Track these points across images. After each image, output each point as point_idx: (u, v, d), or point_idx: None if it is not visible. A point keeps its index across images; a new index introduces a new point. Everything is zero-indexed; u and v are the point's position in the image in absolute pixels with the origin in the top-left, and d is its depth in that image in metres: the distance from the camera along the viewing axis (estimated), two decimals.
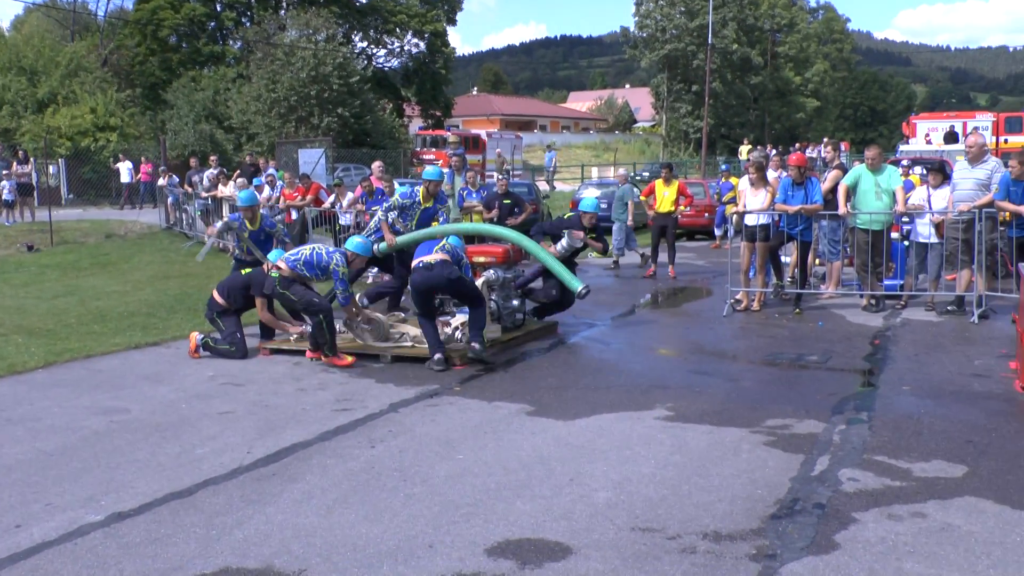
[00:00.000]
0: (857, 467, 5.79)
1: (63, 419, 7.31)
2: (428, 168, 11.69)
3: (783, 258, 12.92)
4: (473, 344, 9.06)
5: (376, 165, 16.41)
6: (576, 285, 9.98)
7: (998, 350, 9.21)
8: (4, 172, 24.94)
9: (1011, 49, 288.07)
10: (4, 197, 24.46)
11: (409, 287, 9.56)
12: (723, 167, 24.47)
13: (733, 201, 20.24)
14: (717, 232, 21.44)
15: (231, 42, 49.30)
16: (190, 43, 47.90)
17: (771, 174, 14.53)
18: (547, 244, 10.78)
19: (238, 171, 21.91)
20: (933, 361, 8.80)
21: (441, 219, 10.95)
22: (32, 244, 20.65)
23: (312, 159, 28.16)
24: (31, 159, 27.28)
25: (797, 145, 42.30)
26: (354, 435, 6.72)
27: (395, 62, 54.71)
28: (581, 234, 10.96)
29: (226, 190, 19.62)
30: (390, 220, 10.79)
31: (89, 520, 5.15)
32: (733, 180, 21.23)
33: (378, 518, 5.09)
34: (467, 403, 7.61)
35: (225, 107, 41.96)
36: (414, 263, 9.31)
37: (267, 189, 18.06)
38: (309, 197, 16.69)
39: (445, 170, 13.57)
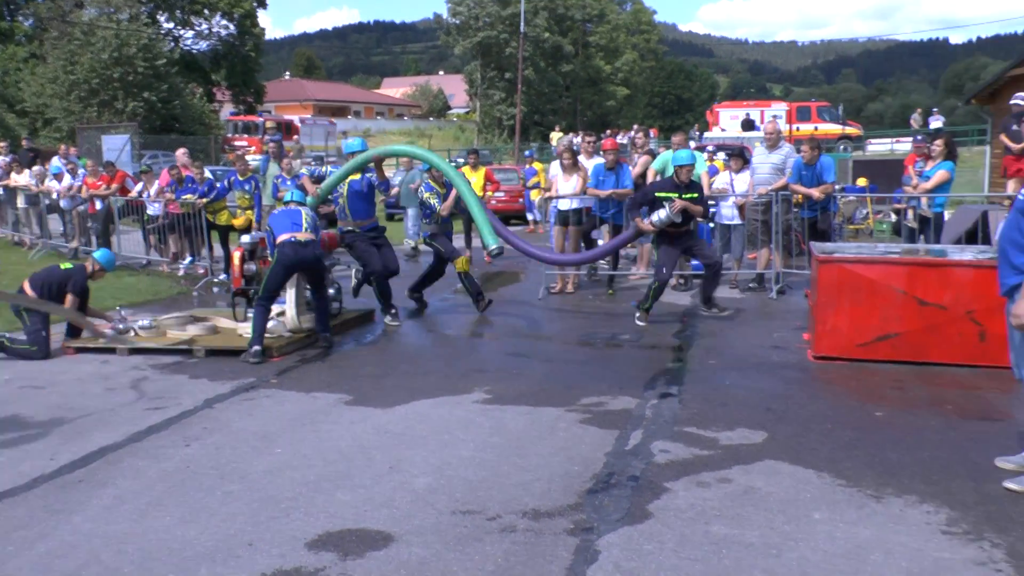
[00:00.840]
0: (668, 439, 6.04)
1: None
2: (350, 141, 11.32)
3: (599, 242, 13.28)
4: (325, 335, 9.10)
5: (180, 152, 15.79)
6: (491, 242, 9.54)
7: (794, 323, 9.80)
8: None
9: (800, 44, 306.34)
10: None
11: (274, 262, 9.12)
12: (527, 153, 24.92)
13: (538, 186, 20.71)
14: (529, 216, 21.79)
15: (20, 18, 46.19)
16: None
17: (584, 160, 14.91)
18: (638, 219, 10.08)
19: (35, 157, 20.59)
20: (737, 336, 9.26)
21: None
22: None
23: (117, 146, 26.84)
24: None
25: (608, 132, 43.42)
26: (168, 434, 6.46)
27: (203, 45, 52.79)
28: (680, 204, 9.85)
29: (20, 179, 18.43)
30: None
31: None
32: (537, 166, 21.67)
33: (195, 519, 4.92)
34: (284, 395, 7.46)
35: (16, 89, 39.32)
36: (284, 237, 9.01)
37: (67, 178, 17.08)
38: (114, 186, 15.88)
39: (259, 156, 13.24)
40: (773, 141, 12.19)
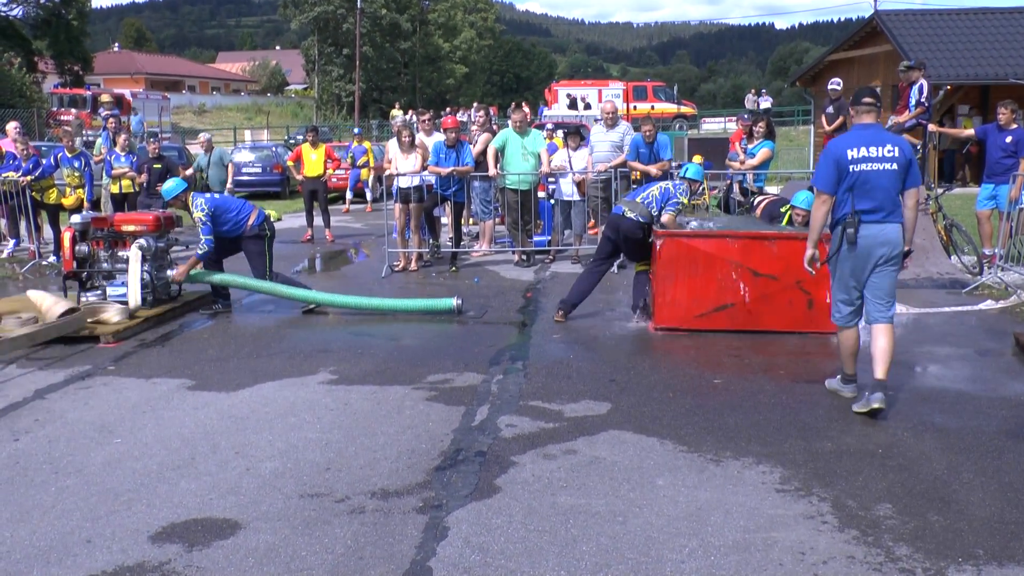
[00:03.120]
0: (515, 413, 6.11)
1: None
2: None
3: (443, 219, 13.29)
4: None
5: (12, 126, 14.84)
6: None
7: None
8: None
9: (636, 26, 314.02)
10: None
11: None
12: (356, 131, 24.64)
13: (367, 165, 20.54)
14: (349, 195, 21.52)
15: None
16: None
17: (424, 137, 14.85)
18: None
19: None
20: (579, 310, 9.42)
21: None
22: None
23: None
24: None
25: (448, 109, 43.42)
26: None
27: (19, 10, 49.55)
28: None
29: None
30: None
31: None
32: (366, 144, 21.48)
33: (26, 518, 4.65)
34: (123, 382, 7.14)
35: None
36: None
37: None
38: None
39: (99, 133, 12.56)
40: (611, 120, 12.46)
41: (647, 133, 11.78)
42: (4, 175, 13.18)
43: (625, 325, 8.86)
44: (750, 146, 12.64)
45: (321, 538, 4.33)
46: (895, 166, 6.00)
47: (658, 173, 11.67)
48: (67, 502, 4.84)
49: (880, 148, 6.02)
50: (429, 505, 4.65)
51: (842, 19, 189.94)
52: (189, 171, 15.75)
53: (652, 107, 40.77)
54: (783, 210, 9.97)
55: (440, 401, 6.43)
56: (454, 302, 9.19)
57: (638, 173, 11.89)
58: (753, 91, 48.22)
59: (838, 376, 6.54)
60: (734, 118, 42.33)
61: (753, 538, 4.25)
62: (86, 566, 4.13)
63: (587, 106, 40.17)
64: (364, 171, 20.92)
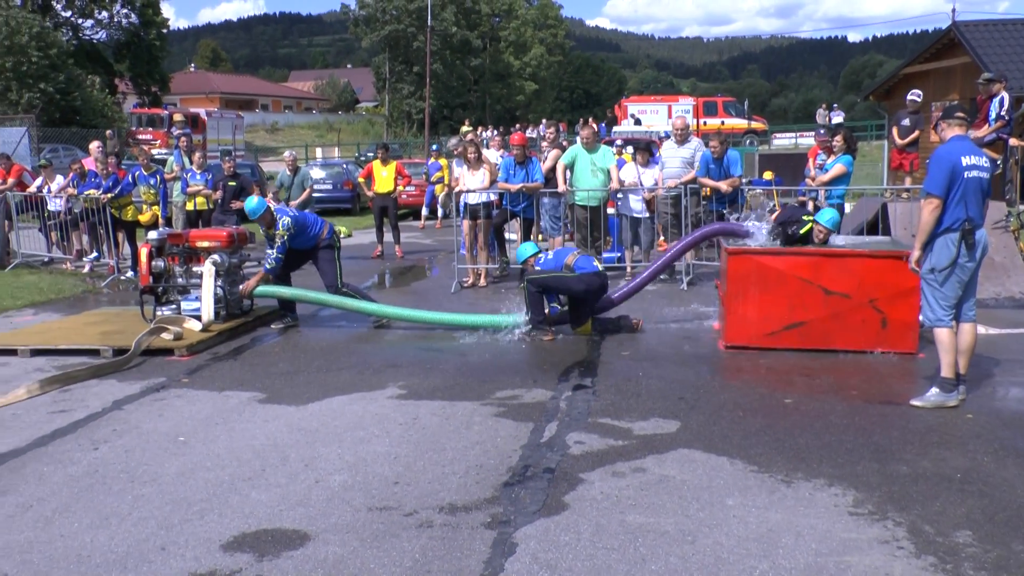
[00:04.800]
0: (583, 430, 6.09)
1: None
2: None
3: (508, 235, 13.34)
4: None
5: (95, 146, 15.30)
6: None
7: (705, 314, 9.97)
8: None
9: (706, 40, 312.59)
10: None
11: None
12: (433, 147, 24.77)
13: (442, 181, 20.64)
14: (425, 212, 21.63)
15: None
16: None
17: (493, 154, 14.95)
18: None
19: None
20: (649, 326, 9.37)
21: None
22: None
23: (13, 139, 25.86)
24: None
25: (517, 126, 43.59)
26: (74, 438, 6.26)
27: (103, 34, 51.18)
28: None
29: None
30: None
31: None
32: (441, 161, 21.59)
33: (104, 524, 4.77)
34: (196, 394, 7.30)
35: None
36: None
37: None
38: (11, 180, 15.31)
39: (171, 151, 12.95)
40: (682, 136, 12.40)
41: (715, 149, 11.69)
42: (86, 193, 13.58)
43: (695, 343, 8.78)
44: (827, 161, 12.44)
45: (389, 551, 4.35)
46: (988, 175, 6.44)
47: (728, 189, 11.57)
48: (143, 510, 4.95)
49: (980, 157, 6.39)
50: (497, 521, 4.65)
51: (918, 31, 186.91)
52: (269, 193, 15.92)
53: (722, 122, 40.50)
54: (805, 222, 9.46)
55: (509, 417, 6.44)
56: (521, 318, 9.20)
57: (708, 189, 11.80)
58: (824, 105, 47.54)
59: (934, 389, 6.54)
60: (805, 133, 41.84)
61: (825, 562, 4.17)
62: (161, 572, 4.22)
63: (637, 121, 40.16)
64: (439, 187, 21.07)
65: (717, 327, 9.13)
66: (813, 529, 4.49)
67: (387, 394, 7.12)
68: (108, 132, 22.21)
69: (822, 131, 17.58)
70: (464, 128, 39.93)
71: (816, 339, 8.17)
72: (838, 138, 12.10)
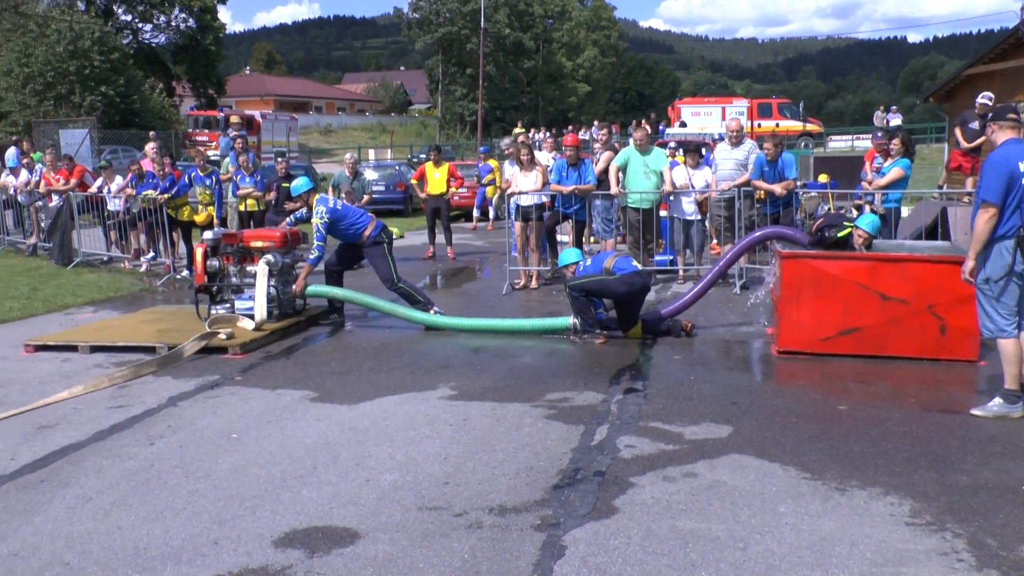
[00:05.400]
0: (634, 434, 6.05)
1: None
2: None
3: (560, 237, 13.31)
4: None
5: (150, 147, 15.58)
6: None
7: (757, 318, 9.87)
8: None
9: (760, 41, 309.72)
10: None
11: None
12: (482, 149, 24.79)
13: (493, 183, 20.64)
14: (476, 214, 21.64)
15: None
16: None
17: (545, 156, 14.94)
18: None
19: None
20: (701, 330, 9.29)
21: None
22: None
23: (75, 140, 26.42)
24: None
25: (570, 128, 43.51)
26: (131, 433, 6.37)
27: (162, 38, 52.18)
28: None
29: None
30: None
31: None
32: (492, 162, 21.59)
33: (160, 518, 4.85)
34: (249, 392, 7.38)
35: None
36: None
37: (24, 173, 16.80)
38: (73, 181, 15.65)
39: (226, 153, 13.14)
40: (736, 138, 12.29)
41: (769, 151, 11.55)
42: (143, 193, 13.81)
43: (747, 347, 8.70)
44: (884, 164, 12.23)
45: (439, 551, 4.36)
46: None
47: (783, 192, 11.44)
48: (197, 505, 5.02)
49: None
50: (547, 523, 4.64)
51: (982, 31, 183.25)
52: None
53: (777, 124, 40.04)
54: (844, 226, 9.22)
55: (559, 419, 6.42)
56: (570, 320, 9.17)
57: (762, 192, 11.67)
58: (882, 107, 46.81)
59: (996, 399, 6.36)
60: (862, 136, 41.24)
61: (881, 572, 4.09)
62: (214, 566, 4.28)
63: (682, 124, 39.95)
64: (490, 189, 21.09)
65: (770, 332, 9.03)
66: (868, 539, 4.41)
67: (438, 395, 7.14)
68: (151, 134, 22.58)
69: (879, 134, 17.32)
70: (517, 130, 40.02)
71: (872, 345, 8.03)
72: (896, 141, 11.87)
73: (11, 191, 16.78)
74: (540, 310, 10.68)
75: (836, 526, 4.56)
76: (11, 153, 19.84)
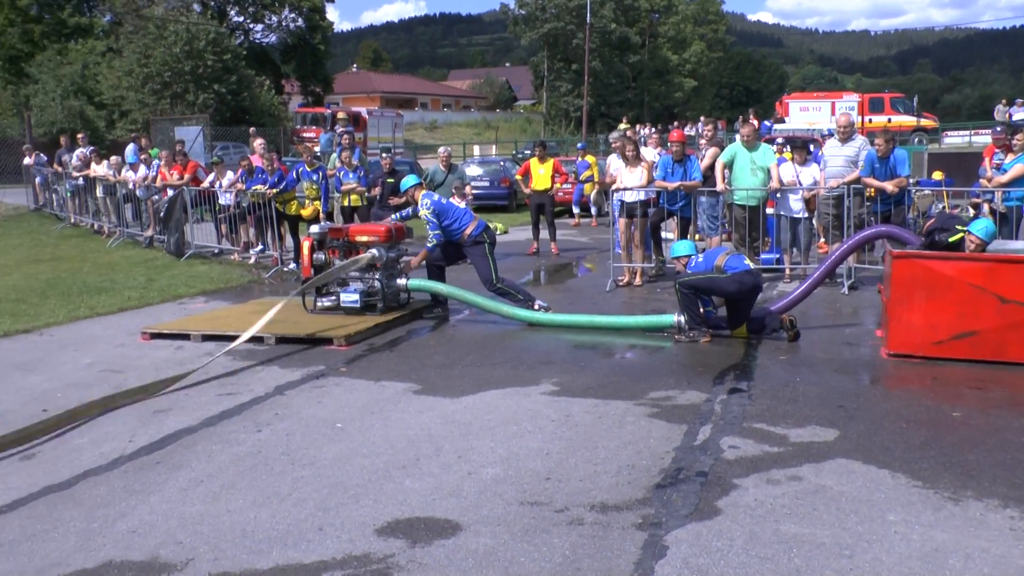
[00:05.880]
0: (737, 435, 5.97)
1: None
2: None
3: (664, 234, 13.19)
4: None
5: (258, 143, 16.03)
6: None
7: (866, 319, 9.62)
8: None
9: (873, 33, 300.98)
10: None
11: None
12: (579, 146, 24.67)
13: (591, 180, 20.54)
14: (575, 210, 21.54)
15: (98, 14, 47.34)
16: (53, 14, 45.78)
17: (651, 151, 14.81)
18: None
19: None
20: (807, 331, 9.10)
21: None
22: None
23: (189, 137, 27.34)
24: None
25: (676, 123, 43.06)
26: (240, 419, 6.59)
27: (272, 37, 53.64)
28: None
29: (99, 169, 18.88)
30: None
31: None
32: (590, 158, 21.46)
33: (266, 503, 5.01)
34: (353, 383, 7.54)
35: (95, 82, 40.32)
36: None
37: (142, 168, 17.46)
38: (187, 176, 16.21)
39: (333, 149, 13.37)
40: (846, 133, 11.98)
41: (880, 147, 11.21)
42: (253, 188, 14.20)
43: (855, 349, 8.48)
44: (1005, 161, 11.75)
45: (539, 546, 4.38)
46: None
47: (894, 190, 11.10)
48: (302, 491, 5.16)
49: None
50: (648, 522, 4.62)
51: None
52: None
53: (889, 120, 38.86)
54: (956, 230, 8.81)
55: (662, 418, 6.37)
56: (675, 318, 9.08)
57: (873, 190, 11.35)
58: (1004, 101, 44.84)
59: None
60: (981, 131, 39.70)
61: None
62: (318, 551, 4.39)
63: (779, 120, 39.14)
64: (588, 186, 21.02)
65: (879, 334, 8.77)
66: (985, 552, 4.26)
67: (540, 390, 7.17)
68: (252, 130, 23.23)
69: (999, 128, 16.64)
70: (622, 125, 39.79)
71: (989, 350, 7.72)
72: (1019, 135, 11.35)
73: (130, 186, 17.43)
74: (644, 307, 10.62)
75: (949, 538, 4.41)
76: (130, 150, 20.66)
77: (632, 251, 12.48)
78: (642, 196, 12.22)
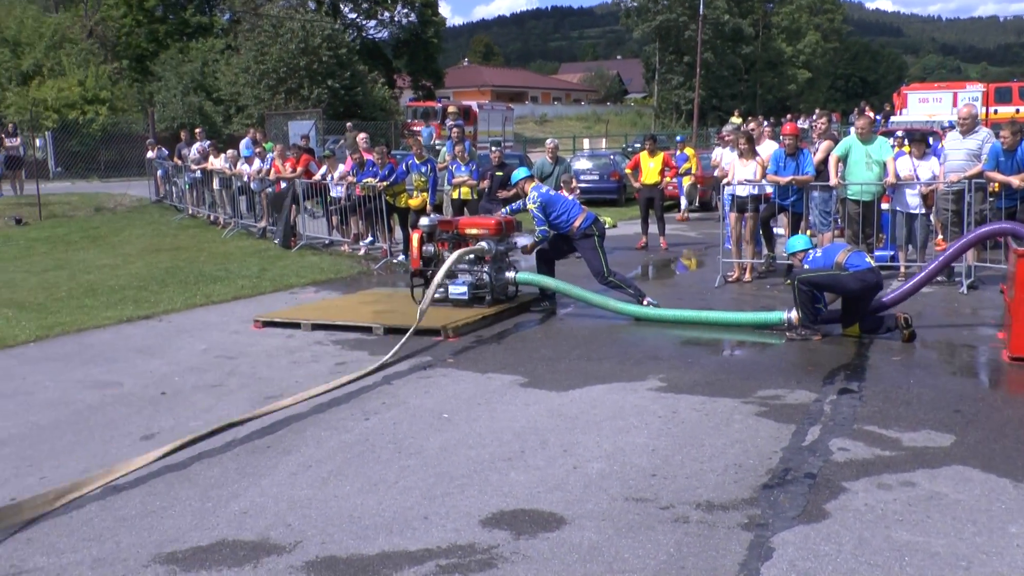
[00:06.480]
0: (847, 437, 5.83)
1: (56, 393, 7.33)
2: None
3: (776, 229, 12.96)
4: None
5: (361, 137, 16.33)
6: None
7: (987, 320, 9.27)
8: None
9: (1002, 19, 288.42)
10: None
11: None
12: (678, 138, 24.32)
13: (689, 172, 20.22)
14: (684, 204, 21.22)
15: (218, 13, 48.94)
16: (176, 14, 47.54)
17: (771, 144, 14.55)
18: None
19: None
20: (922, 331, 8.83)
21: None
22: (20, 217, 20.55)
23: (302, 131, 28.03)
24: (19, 132, 26.97)
25: (789, 116, 42.14)
26: (348, 407, 6.75)
27: (385, 33, 54.55)
28: None
29: (216, 163, 19.52)
30: None
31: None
32: (688, 151, 21.12)
33: (373, 490, 5.13)
34: (460, 374, 7.64)
35: (214, 79, 41.71)
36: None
37: (257, 161, 17.98)
38: (300, 169, 16.62)
39: (439, 141, 13.52)
40: (968, 125, 11.54)
41: (1006, 140, 10.75)
42: (364, 181, 14.47)
43: (974, 351, 8.19)
44: None
45: (644, 543, 4.38)
46: None
47: (1021, 184, 10.64)
48: (408, 480, 5.27)
49: None
50: (754, 523, 4.56)
51: None
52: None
53: (1017, 111, 37.26)
54: None
55: (770, 417, 6.28)
56: (785, 315, 8.91)
57: (997, 185, 10.91)
58: None
59: None
60: None
61: None
62: (424, 540, 4.48)
63: (887, 116, 37.87)
64: (686, 179, 20.76)
65: (1001, 336, 8.42)
66: None
67: (647, 386, 7.14)
68: (348, 124, 23.69)
69: None
70: (733, 119, 39.17)
71: None
72: None
73: (244, 178, 17.96)
74: (753, 304, 10.44)
75: None
76: (244, 143, 21.28)
77: (742, 247, 12.28)
78: (754, 191, 12.02)
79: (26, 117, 29.84)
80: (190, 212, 21.15)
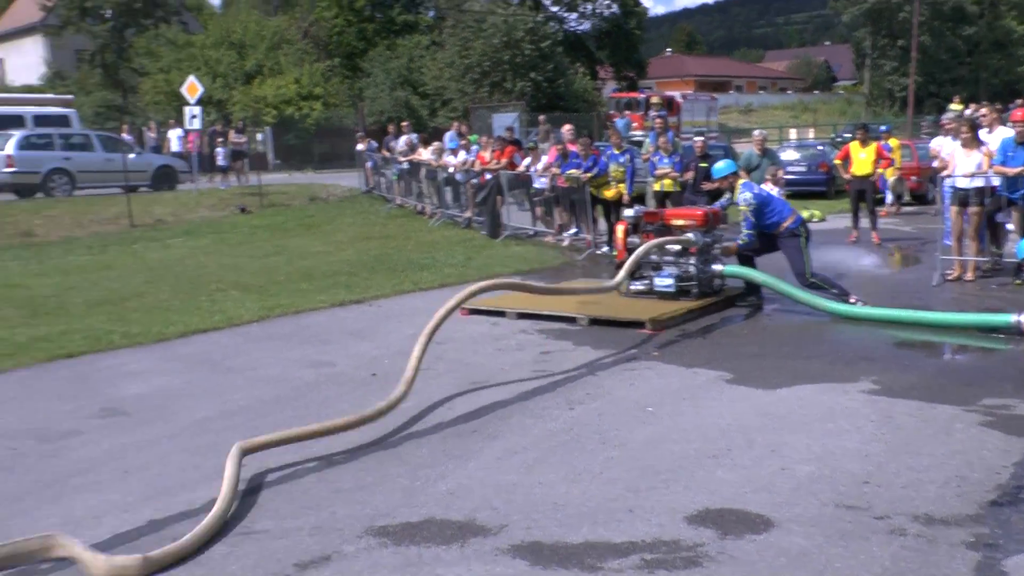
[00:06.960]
0: None
1: (276, 370, 7.77)
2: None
3: (1006, 225, 12.09)
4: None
5: (566, 128, 16.40)
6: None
7: None
8: (220, 140, 26.56)
9: None
10: (219, 163, 26.14)
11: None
12: (882, 128, 22.99)
13: (893, 163, 19.06)
14: (889, 198, 20.03)
15: (423, 10, 50.44)
16: (384, 13, 49.32)
17: (1006, 130, 13.59)
18: None
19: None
20: None
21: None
22: (244, 206, 21.96)
23: (506, 123, 28.49)
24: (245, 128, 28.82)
25: (1019, 101, 39.32)
26: (552, 396, 6.79)
27: (587, 24, 54.69)
28: None
29: (423, 154, 20.12)
30: None
31: (303, 464, 5.47)
32: (892, 142, 19.89)
33: (577, 479, 5.13)
34: (665, 368, 7.54)
35: (419, 74, 43.03)
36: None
37: (462, 153, 18.40)
38: (504, 160, 16.88)
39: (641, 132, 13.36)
40: None
41: None
42: (567, 172, 14.53)
43: None
44: None
45: (857, 553, 4.17)
46: None
47: None
48: (612, 472, 5.24)
49: None
50: (981, 542, 4.25)
51: None
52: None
53: None
54: None
55: (997, 428, 5.84)
56: (1013, 318, 8.27)
57: None
58: None
59: None
60: None
61: None
62: (628, 532, 4.44)
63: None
64: (889, 171, 19.66)
65: None
66: None
67: (859, 388, 6.81)
68: (541, 118, 23.73)
69: None
70: (953, 106, 36.94)
71: None
72: None
73: (450, 170, 18.41)
74: (976, 305, 9.79)
75: None
76: (449, 136, 21.83)
77: (964, 243, 11.52)
78: (979, 183, 11.24)
79: (249, 113, 31.73)
80: (398, 202, 21.90)
